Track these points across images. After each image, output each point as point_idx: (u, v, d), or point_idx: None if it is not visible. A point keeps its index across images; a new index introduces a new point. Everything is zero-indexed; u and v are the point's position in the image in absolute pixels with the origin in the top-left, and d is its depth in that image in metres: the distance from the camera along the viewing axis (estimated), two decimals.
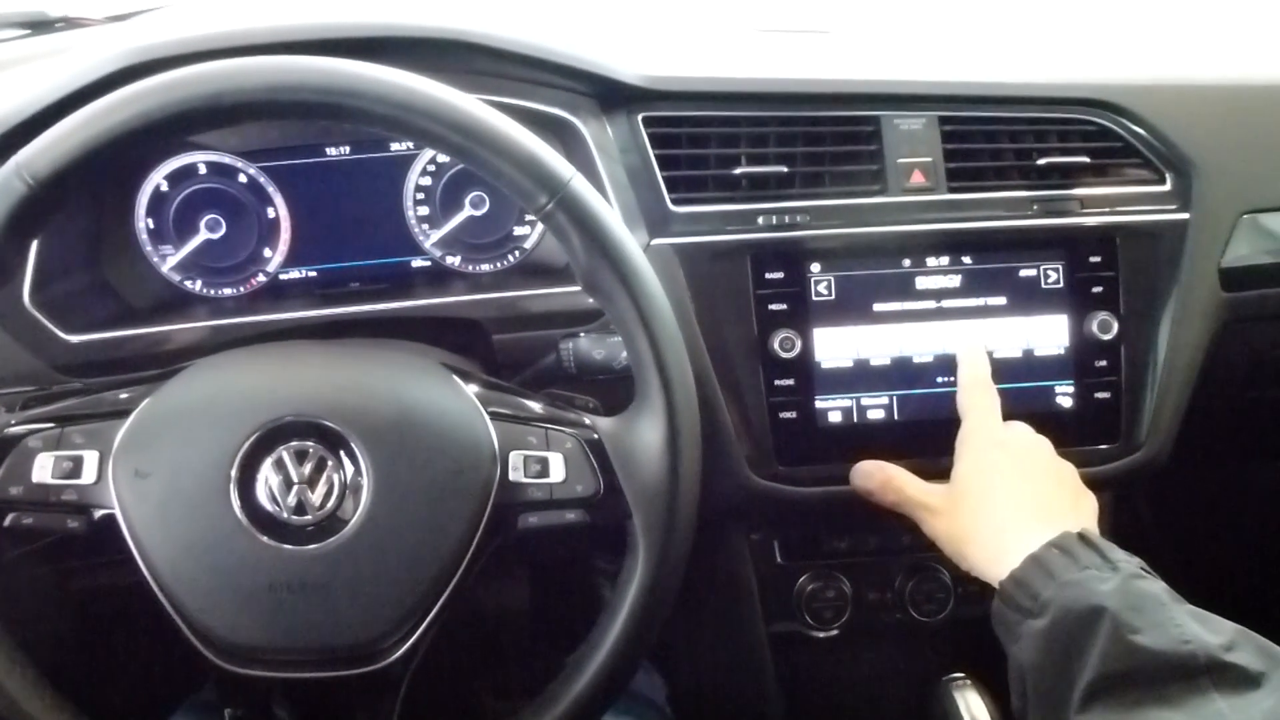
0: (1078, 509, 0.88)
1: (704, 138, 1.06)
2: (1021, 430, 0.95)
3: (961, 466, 0.92)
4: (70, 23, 1.33)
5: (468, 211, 1.10)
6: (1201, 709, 0.65)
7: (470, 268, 1.12)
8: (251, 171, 1.08)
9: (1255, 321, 1.14)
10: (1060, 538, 0.79)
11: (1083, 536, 0.79)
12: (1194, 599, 0.75)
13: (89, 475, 0.77)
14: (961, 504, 0.90)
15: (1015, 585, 0.78)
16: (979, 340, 1.03)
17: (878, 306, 1.04)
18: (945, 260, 1.05)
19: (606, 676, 0.80)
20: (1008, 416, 0.95)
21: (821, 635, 1.16)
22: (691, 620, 1.21)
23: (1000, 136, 1.09)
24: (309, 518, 0.76)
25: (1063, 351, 1.06)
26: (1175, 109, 1.11)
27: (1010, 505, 0.87)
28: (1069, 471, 0.92)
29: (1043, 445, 0.93)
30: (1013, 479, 0.89)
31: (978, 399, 0.96)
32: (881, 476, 0.98)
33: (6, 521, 0.78)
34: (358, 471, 0.77)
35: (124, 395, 0.82)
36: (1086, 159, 1.08)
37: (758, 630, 1.17)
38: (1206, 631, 0.69)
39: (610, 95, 1.05)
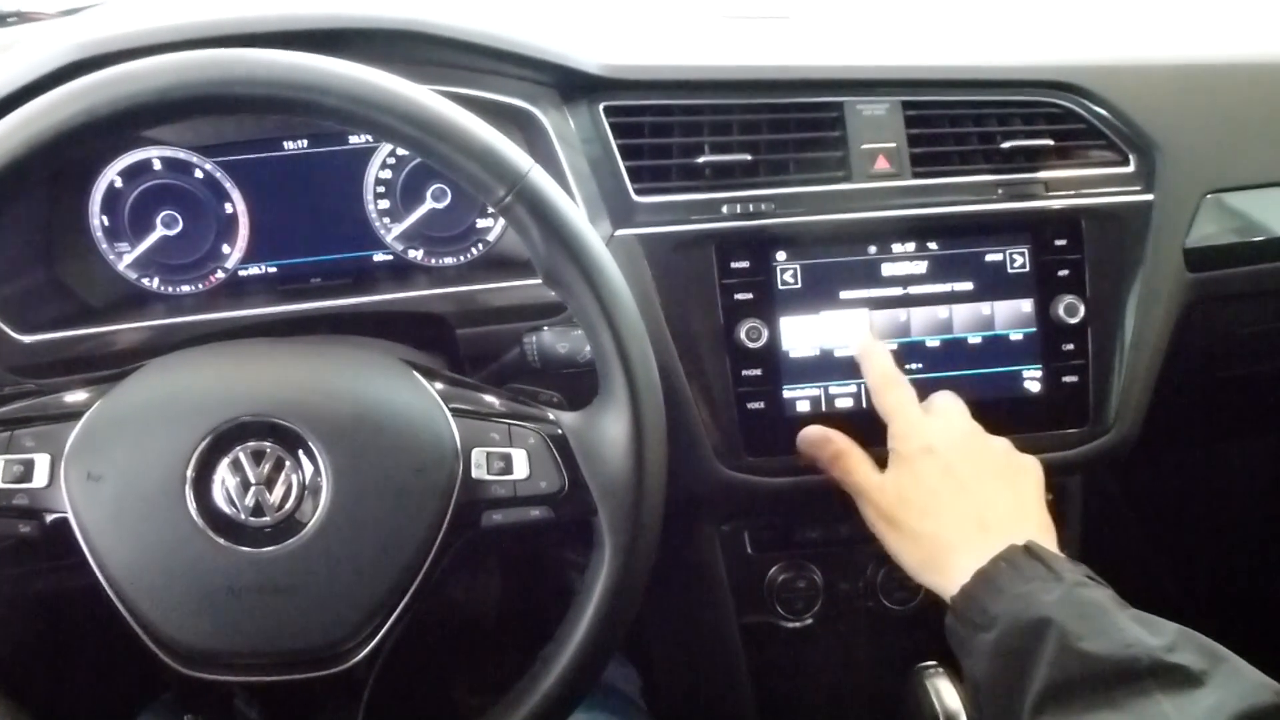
0: (1020, 510, 0.87)
1: (667, 127, 1.05)
2: (946, 424, 0.92)
3: (894, 478, 0.91)
4: (23, 17, 1.31)
5: (429, 205, 1.09)
6: (1147, 712, 0.66)
7: (433, 261, 1.11)
8: (208, 167, 1.06)
9: (1221, 301, 1.14)
10: (1006, 551, 0.80)
11: (1028, 549, 0.80)
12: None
13: (40, 479, 0.76)
14: (900, 513, 0.89)
15: (965, 601, 0.79)
16: (867, 333, 1.01)
17: (844, 294, 1.04)
18: (911, 246, 1.04)
19: (576, 673, 0.79)
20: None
21: (793, 625, 1.16)
22: (663, 613, 1.20)
23: (964, 120, 1.08)
24: (267, 519, 0.75)
25: (1030, 335, 1.06)
26: (1138, 90, 1.11)
27: (950, 521, 0.86)
28: (1004, 461, 0.91)
29: (972, 439, 0.92)
30: (948, 492, 0.87)
31: (893, 397, 0.94)
32: (832, 450, 0.96)
33: None
34: (317, 472, 0.76)
35: (76, 397, 0.80)
36: (1050, 141, 1.08)
37: (729, 621, 1.16)
38: (1148, 634, 0.70)
39: (571, 85, 1.04)
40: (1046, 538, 0.84)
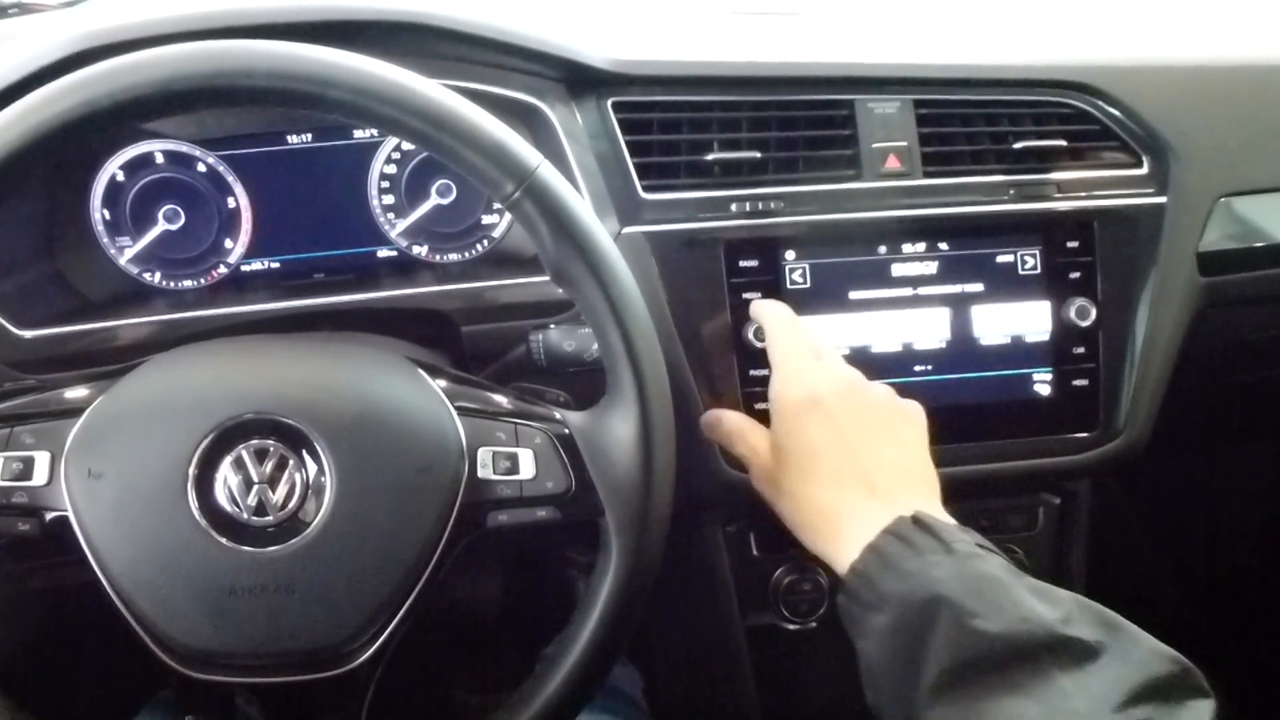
0: (907, 469, 0.83)
1: (675, 123, 1.04)
2: (827, 371, 0.87)
3: (776, 437, 0.87)
4: (23, 8, 1.30)
5: (434, 200, 1.08)
6: (1045, 691, 0.63)
7: (437, 258, 1.10)
8: (210, 160, 1.05)
9: (1233, 305, 1.13)
10: (894, 524, 0.76)
11: (916, 520, 0.76)
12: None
13: (40, 477, 0.75)
14: (782, 475, 0.86)
15: (856, 578, 0.75)
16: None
17: (853, 294, 1.03)
18: (922, 246, 1.03)
19: (581, 676, 0.78)
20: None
21: (798, 628, 1.15)
22: (667, 613, 1.19)
23: (976, 120, 1.07)
24: (270, 519, 0.74)
25: (1041, 338, 1.05)
26: (1152, 91, 1.10)
27: (834, 483, 0.82)
28: (888, 411, 0.86)
29: (856, 389, 0.86)
30: (832, 450, 0.82)
31: (788, 344, 0.90)
32: (724, 430, 0.94)
33: None
34: (320, 471, 0.75)
35: (77, 393, 0.79)
36: (1063, 142, 1.07)
37: (733, 623, 1.16)
38: (1044, 606, 0.67)
39: (579, 80, 1.03)
40: (932, 496, 0.81)
